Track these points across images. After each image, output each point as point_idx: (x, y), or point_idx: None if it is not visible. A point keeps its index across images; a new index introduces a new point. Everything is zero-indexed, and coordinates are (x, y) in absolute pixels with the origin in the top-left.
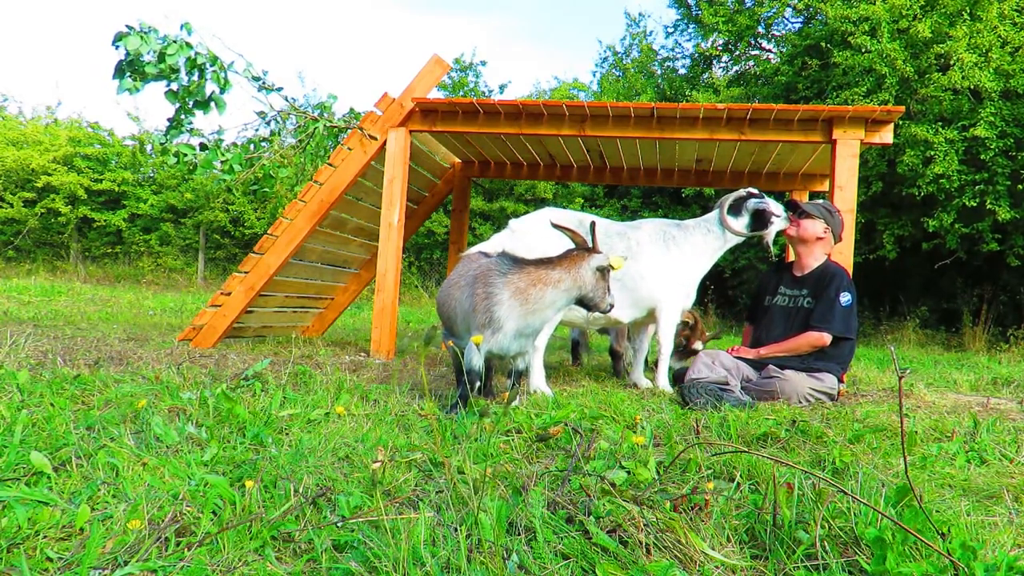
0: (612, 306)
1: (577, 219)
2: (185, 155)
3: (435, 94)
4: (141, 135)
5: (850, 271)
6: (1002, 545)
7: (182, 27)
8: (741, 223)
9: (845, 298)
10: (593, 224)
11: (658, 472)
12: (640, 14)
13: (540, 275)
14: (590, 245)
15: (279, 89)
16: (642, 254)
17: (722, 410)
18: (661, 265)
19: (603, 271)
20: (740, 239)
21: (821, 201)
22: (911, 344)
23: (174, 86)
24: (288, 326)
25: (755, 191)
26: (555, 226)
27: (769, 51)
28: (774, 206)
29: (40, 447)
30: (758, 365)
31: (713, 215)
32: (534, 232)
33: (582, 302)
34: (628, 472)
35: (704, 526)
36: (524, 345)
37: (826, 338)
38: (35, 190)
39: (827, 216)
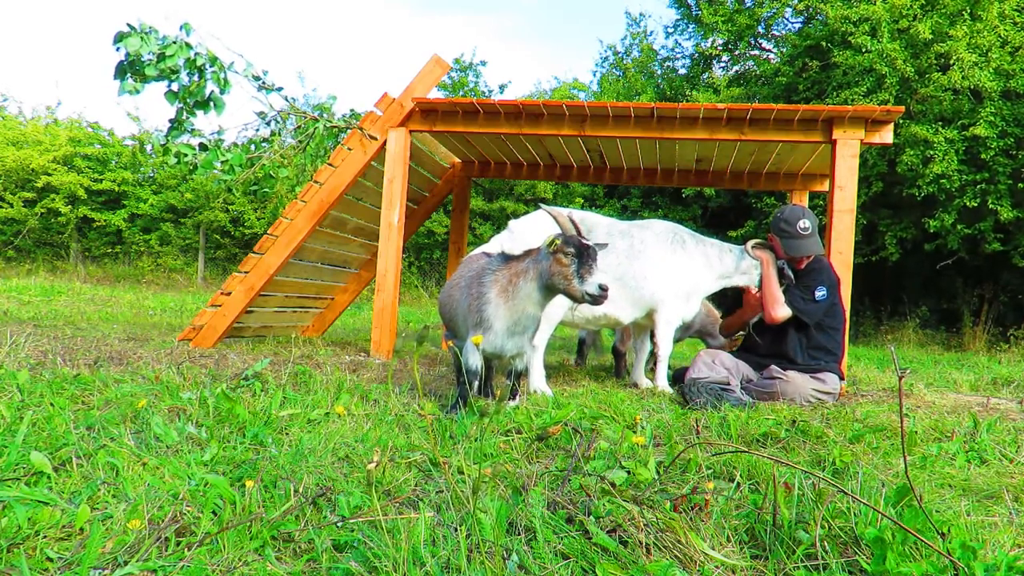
0: (589, 295)
1: (579, 217)
2: (185, 155)
3: (435, 94)
4: (141, 135)
5: (850, 272)
6: (1002, 545)
7: (181, 27)
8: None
9: (820, 292)
10: (569, 216)
11: (658, 472)
12: (640, 14)
13: (515, 269)
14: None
15: (279, 89)
16: (646, 253)
17: (722, 410)
18: (665, 266)
19: (557, 253)
20: (747, 280)
21: (810, 228)
22: (911, 344)
23: (174, 87)
24: (288, 326)
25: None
26: (546, 211)
27: (769, 51)
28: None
29: (40, 447)
30: (759, 365)
31: (737, 246)
32: (533, 232)
33: (555, 290)
34: (628, 472)
35: (704, 526)
36: (520, 344)
37: (782, 312)
38: (35, 190)
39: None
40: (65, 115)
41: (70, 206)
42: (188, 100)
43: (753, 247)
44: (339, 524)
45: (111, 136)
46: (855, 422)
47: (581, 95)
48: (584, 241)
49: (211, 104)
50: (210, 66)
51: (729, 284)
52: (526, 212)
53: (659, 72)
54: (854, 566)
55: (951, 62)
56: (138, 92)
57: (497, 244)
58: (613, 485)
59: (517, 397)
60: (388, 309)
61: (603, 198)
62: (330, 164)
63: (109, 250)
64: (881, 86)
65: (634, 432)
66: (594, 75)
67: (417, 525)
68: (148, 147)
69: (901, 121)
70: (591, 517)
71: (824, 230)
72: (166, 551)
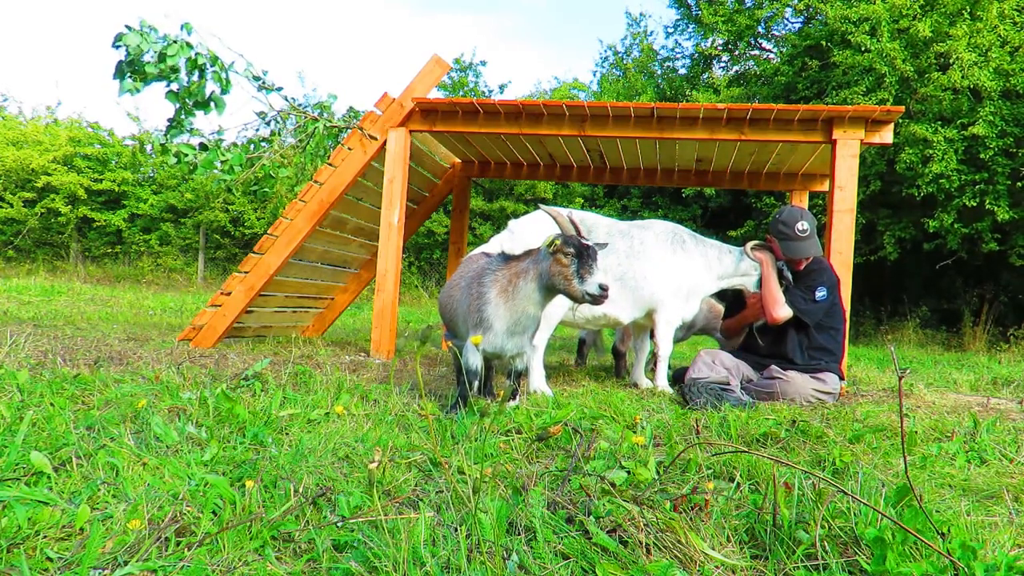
0: (589, 295)
1: (579, 217)
2: (185, 155)
3: (435, 94)
4: (141, 135)
5: (850, 272)
6: (1002, 545)
7: (182, 27)
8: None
9: (820, 293)
10: (569, 216)
11: (658, 472)
12: (640, 14)
13: (515, 269)
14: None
15: (279, 89)
16: (646, 254)
17: (722, 410)
18: (665, 266)
19: (556, 253)
20: (746, 281)
21: (809, 230)
22: (911, 344)
23: (174, 86)
24: (288, 326)
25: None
26: (546, 211)
27: (769, 51)
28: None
29: (40, 447)
30: (759, 365)
31: (737, 248)
32: (533, 232)
33: (555, 290)
34: (628, 472)
35: (704, 526)
36: (520, 344)
37: (783, 312)
38: (35, 190)
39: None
40: (65, 115)
41: (70, 206)
42: (188, 100)
43: (752, 249)
44: (339, 524)
45: (111, 136)
46: (855, 422)
47: (581, 95)
48: (584, 241)
49: (212, 104)
50: (211, 65)
51: (728, 285)
52: (526, 212)
53: (659, 72)
54: (854, 566)
55: (951, 61)
56: (138, 91)
57: (497, 244)
58: (613, 485)
59: (517, 397)
60: (388, 309)
61: (603, 198)
62: (330, 164)
63: (109, 250)
64: (881, 85)
65: (634, 432)
66: (594, 75)
67: (417, 525)
68: (148, 147)
69: (900, 120)
70: (591, 517)
71: (824, 230)
72: (166, 551)
